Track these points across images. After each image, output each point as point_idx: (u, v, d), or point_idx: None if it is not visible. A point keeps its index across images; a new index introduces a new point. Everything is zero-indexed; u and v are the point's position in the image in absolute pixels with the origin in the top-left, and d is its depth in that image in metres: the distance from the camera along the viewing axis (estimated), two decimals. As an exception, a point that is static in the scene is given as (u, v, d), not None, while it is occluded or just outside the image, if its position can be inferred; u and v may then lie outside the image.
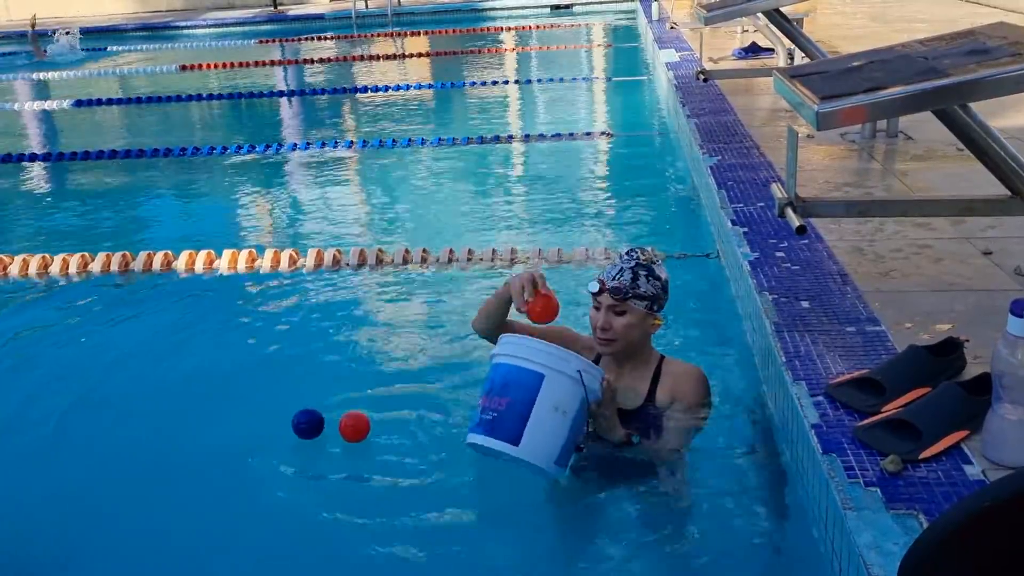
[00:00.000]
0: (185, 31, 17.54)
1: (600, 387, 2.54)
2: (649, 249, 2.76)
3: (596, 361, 2.77)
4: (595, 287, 2.68)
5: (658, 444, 2.70)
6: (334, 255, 4.84)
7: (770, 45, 8.03)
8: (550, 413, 2.46)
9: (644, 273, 2.68)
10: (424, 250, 4.82)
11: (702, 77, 6.50)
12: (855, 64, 2.99)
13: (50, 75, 12.70)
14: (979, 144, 2.93)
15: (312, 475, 2.99)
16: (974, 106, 2.87)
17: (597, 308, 2.70)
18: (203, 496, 2.94)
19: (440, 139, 7.49)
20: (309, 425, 3.08)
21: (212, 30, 17.48)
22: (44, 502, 2.97)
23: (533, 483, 2.69)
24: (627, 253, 2.74)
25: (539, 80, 10.45)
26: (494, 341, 2.74)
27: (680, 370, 2.79)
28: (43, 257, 4.98)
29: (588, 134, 7.51)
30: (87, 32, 16.27)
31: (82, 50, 14.70)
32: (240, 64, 12.55)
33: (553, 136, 7.40)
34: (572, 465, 2.69)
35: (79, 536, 2.81)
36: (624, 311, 2.67)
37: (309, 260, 4.83)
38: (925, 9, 10.89)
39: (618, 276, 2.67)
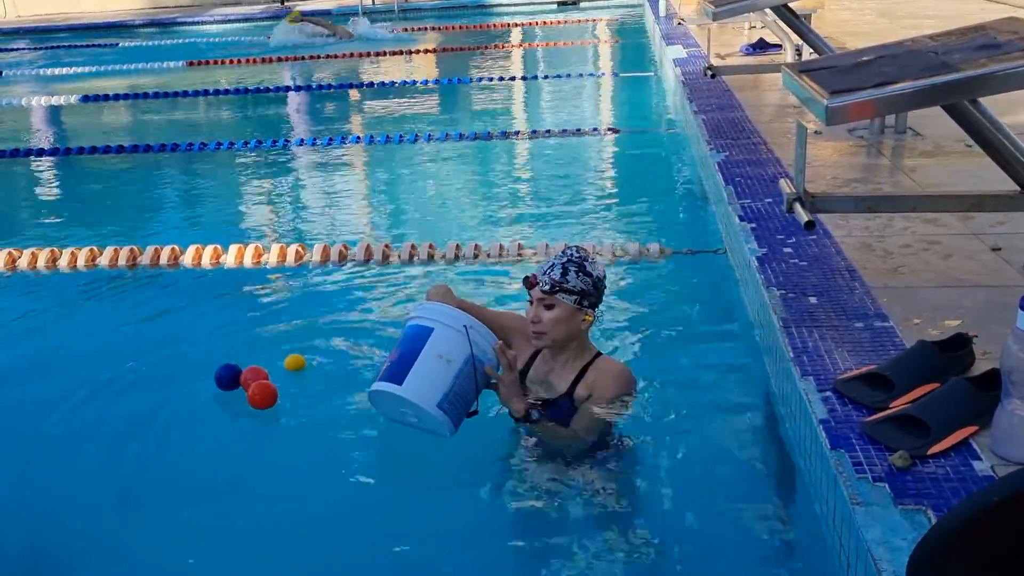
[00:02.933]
0: (192, 27, 17.56)
1: (494, 352, 2.69)
2: (587, 247, 2.86)
3: (536, 353, 2.89)
4: (527, 281, 2.80)
5: (560, 428, 2.75)
6: (340, 250, 4.84)
7: (778, 41, 8.00)
8: (434, 360, 2.66)
9: (574, 269, 2.76)
10: (431, 245, 4.81)
11: (710, 73, 6.48)
12: (864, 59, 2.98)
13: (57, 71, 12.73)
14: (989, 139, 2.91)
15: (315, 468, 2.99)
16: (984, 101, 2.86)
17: (531, 302, 2.80)
18: (207, 486, 2.95)
19: (447, 135, 7.48)
20: (229, 378, 3.35)
21: (219, 26, 17.50)
22: (49, 492, 2.99)
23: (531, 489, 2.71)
24: (563, 251, 2.85)
25: (546, 76, 10.44)
26: None
27: (605, 367, 2.83)
28: (52, 251, 4.99)
29: (595, 130, 7.50)
30: (92, 28, 16.34)
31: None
32: (247, 60, 12.56)
33: (560, 132, 7.39)
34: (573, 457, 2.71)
35: (85, 524, 2.82)
36: (552, 305, 2.75)
37: (315, 255, 4.83)
38: (933, 4, 10.85)
39: (549, 271, 2.76)
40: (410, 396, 2.64)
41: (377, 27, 14.76)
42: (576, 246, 2.87)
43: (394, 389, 2.65)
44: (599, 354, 2.88)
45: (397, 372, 2.67)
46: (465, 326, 2.69)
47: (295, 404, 3.36)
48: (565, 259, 2.79)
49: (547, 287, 2.73)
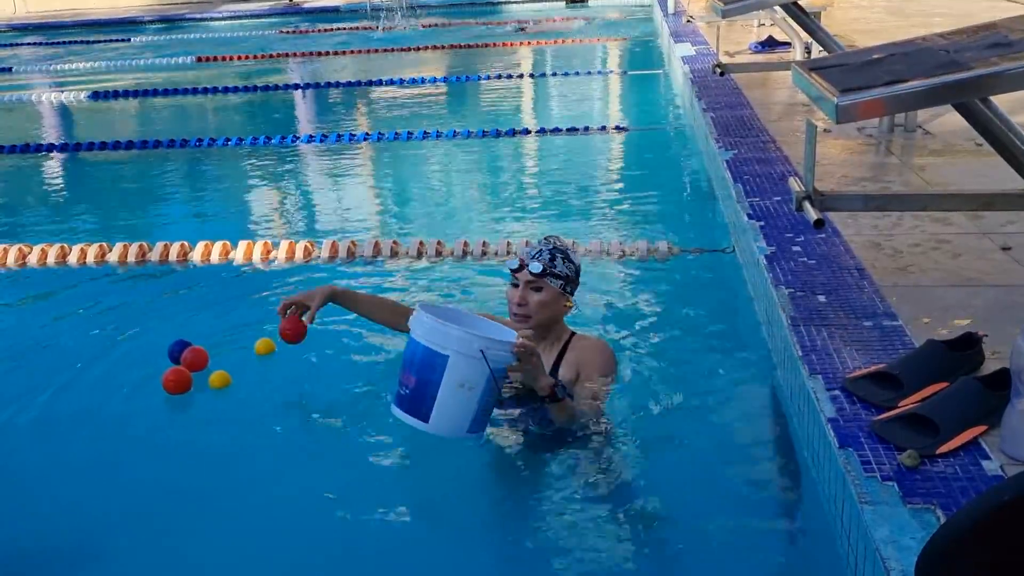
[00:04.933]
0: (201, 23, 17.60)
1: (511, 352, 2.62)
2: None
3: None
4: (515, 264, 2.89)
5: (576, 404, 2.79)
6: (349, 247, 4.85)
7: (787, 39, 7.99)
8: (455, 391, 2.60)
9: (561, 256, 2.91)
10: (439, 242, 4.82)
11: (718, 71, 6.47)
12: (875, 57, 2.97)
13: (66, 65, 12.77)
14: (999, 138, 2.90)
15: (316, 464, 3.00)
16: (995, 100, 2.85)
17: (515, 285, 2.90)
18: (214, 482, 2.95)
19: (455, 132, 7.48)
20: (177, 353, 3.48)
21: (228, 22, 17.54)
22: (55, 484, 3.00)
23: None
24: (545, 239, 2.98)
25: (554, 74, 10.43)
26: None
27: (585, 344, 2.96)
28: (61, 247, 5.00)
29: (603, 128, 7.49)
30: (102, 24, 16.38)
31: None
32: (256, 56, 12.58)
33: (568, 130, 7.39)
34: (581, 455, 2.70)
35: (82, 519, 2.83)
36: (540, 288, 2.87)
37: (324, 251, 4.84)
38: (943, 2, 10.81)
39: (537, 256, 2.89)
40: (439, 432, 2.64)
41: None
42: (555, 236, 3.01)
43: (421, 426, 2.63)
44: (574, 333, 2.99)
45: (419, 406, 2.62)
46: (481, 351, 2.57)
47: (299, 400, 3.37)
48: (551, 246, 2.92)
49: (538, 270, 2.85)
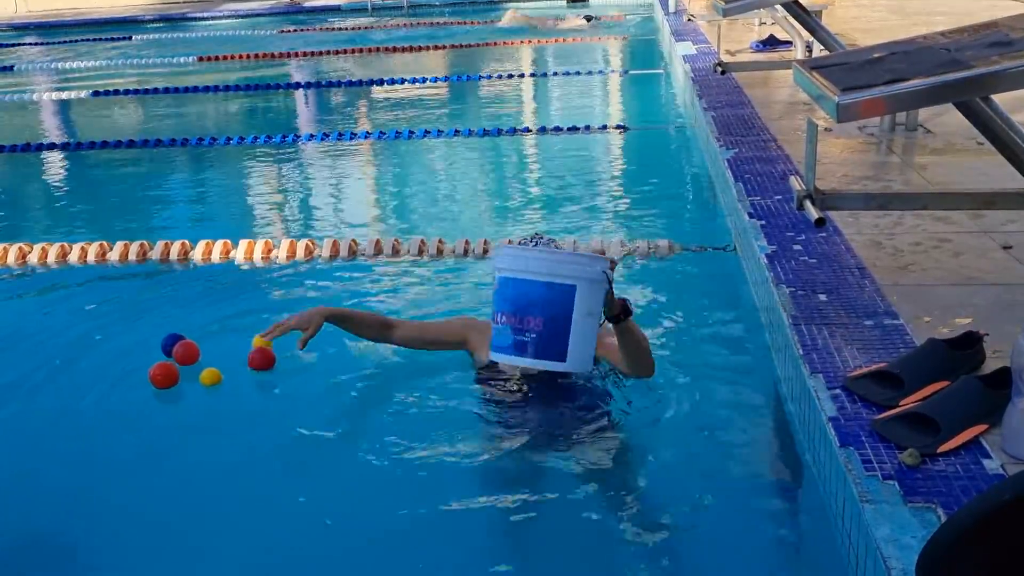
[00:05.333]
0: (202, 22, 17.59)
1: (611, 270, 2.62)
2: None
3: None
4: None
5: (638, 329, 2.81)
6: (350, 245, 4.85)
7: (788, 38, 7.99)
8: (584, 321, 2.55)
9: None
10: (440, 241, 4.82)
11: (719, 70, 6.47)
12: (876, 56, 2.97)
13: (68, 64, 12.77)
14: (1001, 137, 2.90)
15: (319, 457, 3.00)
16: (996, 98, 2.85)
17: None
18: (215, 482, 2.96)
19: (456, 131, 7.47)
20: (169, 346, 3.55)
21: (229, 21, 17.54)
22: (57, 487, 3.00)
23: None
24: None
25: (555, 73, 10.42)
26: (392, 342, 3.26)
27: None
28: (62, 246, 5.00)
29: (604, 127, 7.49)
30: (103, 23, 16.36)
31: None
32: (257, 55, 12.57)
33: (569, 129, 7.38)
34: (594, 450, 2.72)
35: (74, 513, 2.83)
36: None
37: (325, 250, 4.84)
38: (945, 1, 10.79)
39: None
40: (575, 368, 2.62)
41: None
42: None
43: (556, 366, 2.58)
44: None
45: (553, 346, 2.55)
46: (604, 271, 2.53)
47: (302, 398, 3.37)
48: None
49: None
